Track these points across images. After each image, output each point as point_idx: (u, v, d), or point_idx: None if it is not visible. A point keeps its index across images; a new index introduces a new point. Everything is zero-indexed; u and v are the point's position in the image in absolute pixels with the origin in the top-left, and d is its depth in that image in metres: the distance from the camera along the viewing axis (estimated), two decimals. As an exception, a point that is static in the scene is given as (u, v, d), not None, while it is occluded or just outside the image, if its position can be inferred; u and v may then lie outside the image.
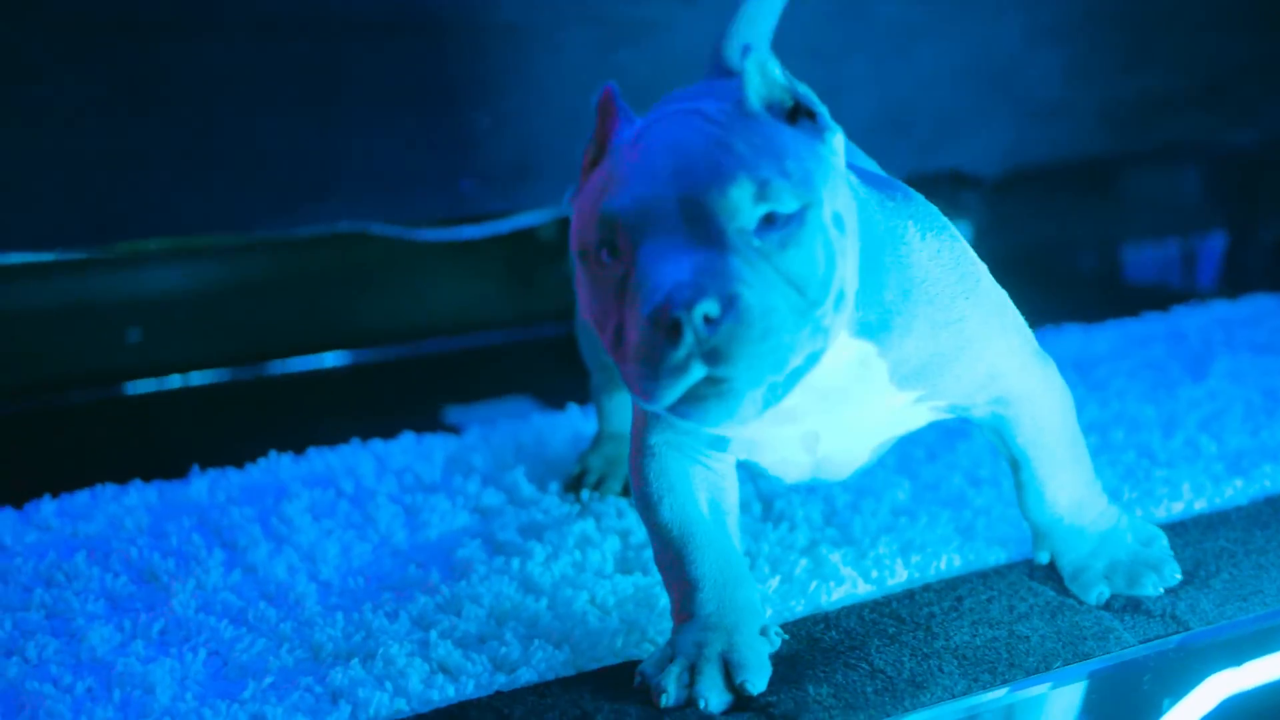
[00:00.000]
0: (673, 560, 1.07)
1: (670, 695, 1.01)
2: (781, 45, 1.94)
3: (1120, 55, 2.18)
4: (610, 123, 0.96)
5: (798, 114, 0.94)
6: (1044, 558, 1.19)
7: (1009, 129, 2.13)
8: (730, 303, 0.85)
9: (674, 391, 0.87)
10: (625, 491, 1.40)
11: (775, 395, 0.89)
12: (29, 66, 1.62)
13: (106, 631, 1.16)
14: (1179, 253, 2.45)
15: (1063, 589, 1.16)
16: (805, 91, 0.94)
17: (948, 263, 1.02)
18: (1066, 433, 1.14)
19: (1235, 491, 1.34)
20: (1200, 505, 1.32)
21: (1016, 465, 1.15)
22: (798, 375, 0.89)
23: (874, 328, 0.99)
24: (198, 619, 1.18)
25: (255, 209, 1.75)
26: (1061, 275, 2.44)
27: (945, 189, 2.28)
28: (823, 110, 0.94)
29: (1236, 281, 2.33)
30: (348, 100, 1.76)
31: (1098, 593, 1.14)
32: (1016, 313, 1.09)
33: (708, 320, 0.85)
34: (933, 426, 1.38)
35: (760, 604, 1.07)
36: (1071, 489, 1.15)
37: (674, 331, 0.85)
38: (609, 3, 1.85)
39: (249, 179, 1.73)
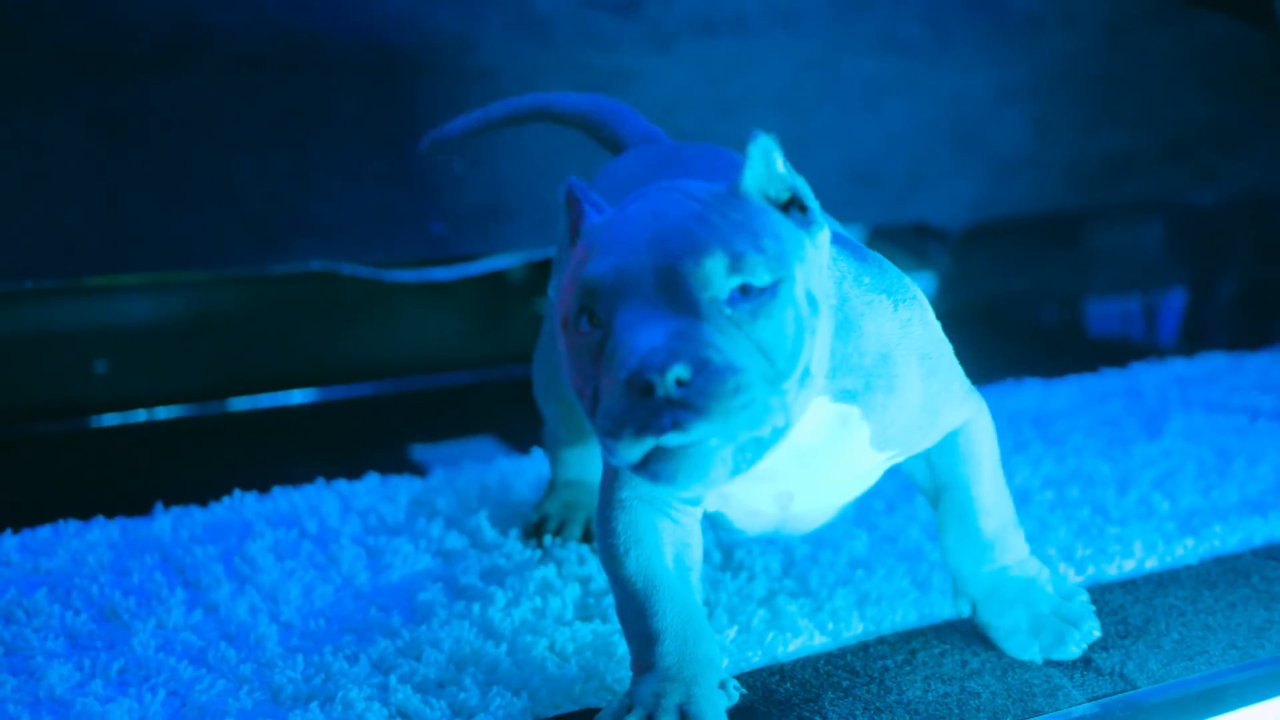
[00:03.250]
0: (636, 612, 1.08)
1: (627, 744, 1.02)
2: (752, 97, 1.98)
3: (1085, 114, 2.23)
4: (577, 210, 1.01)
5: (790, 205, 0.99)
6: (965, 608, 1.20)
7: (975, 183, 2.17)
8: (702, 366, 0.89)
9: (644, 450, 0.90)
10: (585, 537, 1.41)
11: (744, 462, 0.91)
12: (6, 97, 1.63)
13: (65, 670, 1.16)
14: (1139, 309, 2.49)
15: (1014, 645, 1.18)
16: (802, 185, 0.99)
17: (918, 328, 1.07)
18: (994, 460, 1.18)
19: (1185, 551, 1.36)
20: (1151, 564, 1.34)
21: (943, 491, 1.18)
22: (764, 447, 0.92)
23: (856, 393, 1.03)
24: (158, 659, 1.18)
25: (229, 246, 1.76)
26: (1024, 329, 2.47)
27: (912, 241, 2.31)
28: (814, 206, 0.99)
29: (1194, 338, 2.37)
30: (322, 141, 1.78)
31: (1030, 658, 1.16)
32: (953, 353, 1.13)
33: (680, 384, 0.88)
34: (892, 478, 1.41)
35: (720, 658, 1.09)
36: (997, 517, 1.18)
37: (647, 393, 0.88)
38: (585, 50, 1.88)
39: (223, 216, 1.74)
